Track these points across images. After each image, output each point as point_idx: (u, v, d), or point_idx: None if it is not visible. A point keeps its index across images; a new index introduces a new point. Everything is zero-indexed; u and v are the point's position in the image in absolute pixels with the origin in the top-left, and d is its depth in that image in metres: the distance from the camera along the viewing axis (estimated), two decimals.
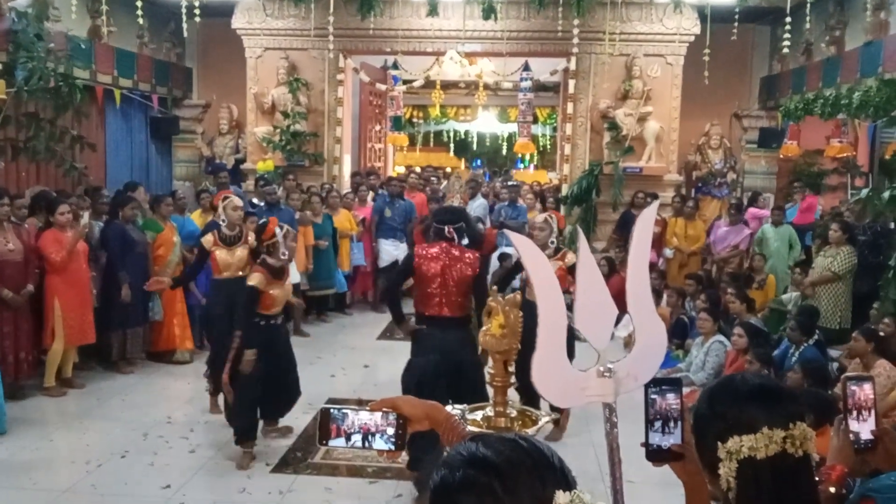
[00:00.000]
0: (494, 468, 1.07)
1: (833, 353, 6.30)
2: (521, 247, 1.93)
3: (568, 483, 1.07)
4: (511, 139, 17.68)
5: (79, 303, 6.50)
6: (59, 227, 6.41)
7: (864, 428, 1.77)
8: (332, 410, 1.54)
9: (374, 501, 4.70)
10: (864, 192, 7.64)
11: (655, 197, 9.54)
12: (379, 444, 1.53)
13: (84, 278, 6.59)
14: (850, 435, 1.78)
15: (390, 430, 1.53)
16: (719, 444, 1.43)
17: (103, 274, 7.01)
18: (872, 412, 1.76)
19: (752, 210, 10.00)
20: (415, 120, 18.68)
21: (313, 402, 6.14)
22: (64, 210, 6.45)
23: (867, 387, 1.77)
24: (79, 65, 8.74)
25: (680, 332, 7.43)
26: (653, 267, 9.19)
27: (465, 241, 6.16)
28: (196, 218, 8.35)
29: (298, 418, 5.89)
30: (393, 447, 1.53)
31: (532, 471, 1.07)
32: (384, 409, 1.53)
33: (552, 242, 5.70)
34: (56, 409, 6.16)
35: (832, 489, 2.71)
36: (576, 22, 9.41)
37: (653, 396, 1.67)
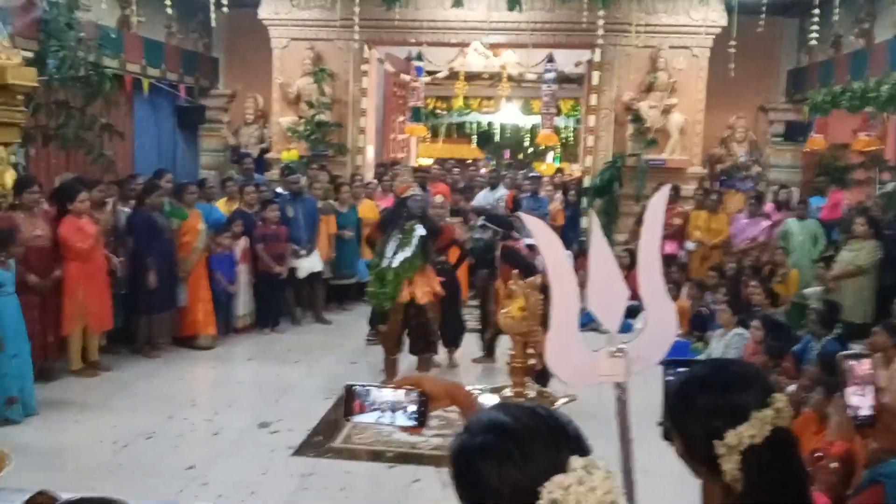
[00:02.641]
0: (513, 434, 1.12)
1: (854, 347, 6.25)
2: (534, 229, 1.97)
3: (584, 450, 1.11)
4: (534, 131, 17.65)
5: (98, 289, 6.59)
6: (77, 215, 6.45)
7: (863, 404, 1.78)
8: (356, 387, 1.59)
9: (392, 486, 4.77)
10: (891, 185, 7.56)
11: (677, 189, 9.52)
12: (401, 420, 1.57)
13: (102, 265, 6.66)
14: (850, 411, 1.80)
15: (412, 407, 1.56)
16: (715, 441, 1.39)
17: (130, 260, 7.13)
18: (871, 388, 1.77)
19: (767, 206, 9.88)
20: (438, 111, 18.70)
21: (334, 387, 6.23)
22: (83, 198, 6.50)
23: (866, 363, 1.79)
24: (108, 54, 8.86)
25: (700, 325, 7.43)
26: (674, 259, 9.17)
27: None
28: (221, 206, 8.47)
29: (320, 403, 5.99)
30: (415, 423, 1.57)
31: (549, 437, 1.12)
32: (407, 387, 1.57)
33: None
34: (83, 391, 6.29)
35: (833, 464, 2.73)
36: (601, 13, 9.37)
37: (669, 377, 1.70)
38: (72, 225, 6.42)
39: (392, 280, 6.35)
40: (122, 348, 7.23)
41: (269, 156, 11.33)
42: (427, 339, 6.69)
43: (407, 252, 6.36)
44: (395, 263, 6.35)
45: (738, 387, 1.43)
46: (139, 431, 5.40)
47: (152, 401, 6.06)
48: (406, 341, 6.75)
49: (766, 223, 9.21)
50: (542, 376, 5.09)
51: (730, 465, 1.38)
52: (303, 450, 5.21)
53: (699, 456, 1.44)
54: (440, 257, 6.90)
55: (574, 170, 14.24)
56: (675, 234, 9.26)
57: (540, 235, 1.96)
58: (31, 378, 5.68)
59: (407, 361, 6.85)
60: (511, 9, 9.74)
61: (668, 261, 8.37)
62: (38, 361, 6.05)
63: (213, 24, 8.84)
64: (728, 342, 6.35)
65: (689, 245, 9.47)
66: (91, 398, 6.18)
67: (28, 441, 5.03)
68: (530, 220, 2.03)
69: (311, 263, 8.53)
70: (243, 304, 8.09)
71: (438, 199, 7.13)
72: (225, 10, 8.27)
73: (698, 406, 1.44)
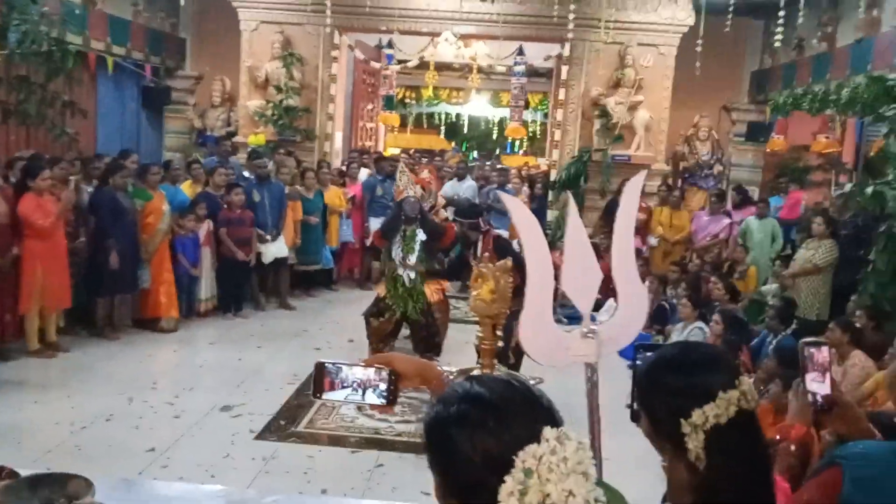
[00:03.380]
0: (488, 403, 1.13)
1: None
2: (513, 210, 2.00)
3: (556, 421, 1.13)
4: (502, 124, 17.73)
5: (57, 267, 6.47)
6: (38, 192, 6.32)
7: (821, 389, 1.84)
8: (326, 364, 1.59)
9: (355, 471, 4.78)
10: (848, 186, 7.75)
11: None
12: (371, 398, 1.57)
13: (61, 243, 6.54)
14: (808, 396, 1.86)
15: (382, 386, 1.57)
16: (682, 420, 1.41)
17: (91, 240, 7.01)
18: (828, 375, 1.83)
19: (751, 208, 10.05)
20: (407, 101, 18.67)
21: (298, 373, 6.22)
22: (45, 175, 6.37)
23: (825, 350, 1.85)
24: (72, 30, 8.68)
25: (661, 318, 7.56)
26: (637, 254, 9.29)
27: (423, 236, 6.35)
28: (186, 188, 8.37)
29: (283, 388, 5.98)
30: (385, 401, 1.58)
31: (523, 407, 1.13)
32: (377, 365, 1.58)
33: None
34: (41, 372, 6.19)
35: (793, 446, 2.81)
36: (571, 8, 9.43)
37: (639, 362, 1.74)
38: (32, 202, 6.29)
39: (415, 292, 6.43)
40: (81, 329, 7.12)
41: (235, 140, 11.22)
42: (432, 340, 6.72)
43: (412, 258, 6.41)
44: (412, 275, 6.41)
45: (704, 368, 1.46)
46: (98, 413, 5.33)
47: (112, 383, 5.98)
48: (401, 340, 6.85)
49: (726, 221, 9.39)
50: (506, 358, 5.17)
51: (694, 444, 1.41)
52: (265, 434, 5.20)
53: (665, 434, 1.47)
54: (445, 257, 6.92)
55: (541, 163, 14.33)
56: (638, 229, 9.37)
57: (518, 216, 1.99)
58: None
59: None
60: (483, 0, 9.76)
61: None
62: None
63: (182, 2, 8.71)
64: (688, 336, 6.47)
65: (652, 240, 9.61)
66: (49, 379, 6.08)
67: None
68: (509, 200, 2.07)
69: (276, 249, 8.47)
70: (206, 288, 8.01)
71: (417, 190, 7.07)
72: None
73: (666, 385, 1.46)
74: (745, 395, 1.44)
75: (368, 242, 9.71)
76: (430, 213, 7.09)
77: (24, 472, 2.27)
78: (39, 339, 6.49)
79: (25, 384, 5.87)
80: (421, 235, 6.43)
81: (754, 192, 11.14)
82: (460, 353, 6.56)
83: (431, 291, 6.51)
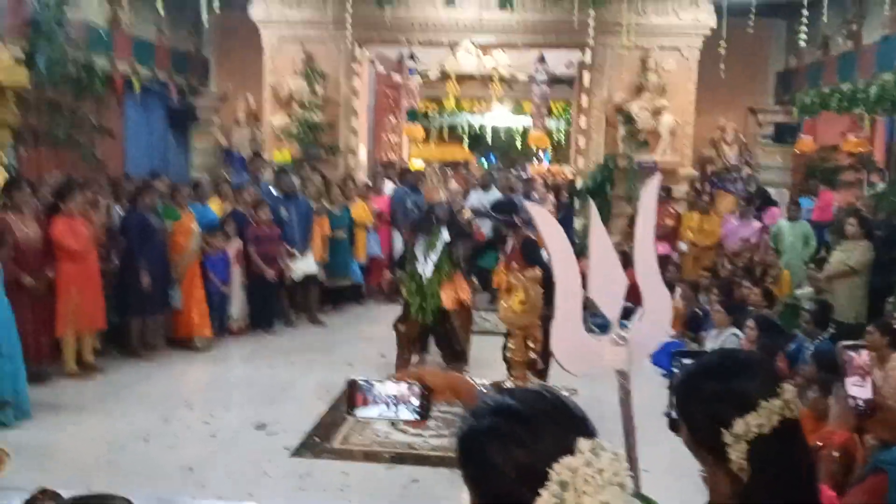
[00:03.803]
0: (520, 416, 1.12)
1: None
2: (540, 220, 1.99)
3: (590, 432, 1.12)
4: (525, 132, 17.69)
5: (90, 289, 6.55)
6: (70, 216, 6.40)
7: (863, 393, 1.81)
8: (359, 381, 1.59)
9: (390, 486, 4.76)
10: (881, 186, 7.63)
11: (668, 191, 9.57)
12: (404, 413, 1.57)
13: (94, 265, 6.63)
14: (849, 401, 1.82)
15: (415, 401, 1.56)
16: (723, 429, 1.38)
17: (123, 261, 7.09)
18: (869, 379, 1.80)
19: (773, 210, 9.95)
20: (429, 112, 18.71)
21: (331, 389, 6.22)
22: (76, 199, 6.46)
23: (864, 354, 1.82)
24: (98, 52, 8.82)
25: (694, 325, 7.47)
26: (667, 260, 9.21)
27: (447, 239, 6.34)
28: (214, 206, 8.44)
29: (315, 405, 5.98)
30: (418, 416, 1.57)
31: (556, 419, 1.12)
32: (409, 380, 1.57)
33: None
34: (78, 394, 6.25)
35: (835, 453, 2.76)
36: (591, 14, 9.39)
37: (675, 368, 1.71)
38: (65, 225, 6.38)
39: (431, 290, 6.40)
40: (116, 350, 7.18)
41: (260, 157, 11.30)
42: (453, 348, 6.69)
43: (433, 257, 6.41)
44: (428, 272, 6.40)
45: (744, 374, 1.43)
46: (135, 433, 5.37)
47: (147, 402, 6.03)
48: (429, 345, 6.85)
49: (757, 224, 9.28)
50: (533, 364, 5.14)
51: (737, 454, 1.38)
52: (300, 451, 5.20)
53: (705, 444, 1.44)
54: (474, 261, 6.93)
55: (565, 171, 14.28)
56: (667, 235, 9.31)
57: (544, 225, 1.98)
58: (24, 380, 5.63)
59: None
60: (502, 7, 9.76)
61: (661, 262, 8.39)
62: (31, 364, 6.00)
63: (205, 24, 8.82)
64: (723, 342, 6.39)
65: (682, 246, 9.52)
66: (85, 400, 6.13)
67: (22, 443, 4.97)
68: (535, 209, 2.05)
69: (305, 265, 8.51)
70: (237, 306, 8.06)
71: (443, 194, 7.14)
72: (216, 9, 8.25)
73: (705, 393, 1.43)
74: (788, 404, 1.41)
75: (398, 256, 9.74)
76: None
77: (64, 494, 2.29)
78: (76, 360, 6.56)
79: (63, 406, 5.93)
80: (445, 237, 6.44)
81: (783, 195, 11.01)
82: (488, 367, 6.53)
83: (448, 298, 6.45)
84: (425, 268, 6.41)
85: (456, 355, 6.71)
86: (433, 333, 6.71)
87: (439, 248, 6.42)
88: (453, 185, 8.21)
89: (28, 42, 7.72)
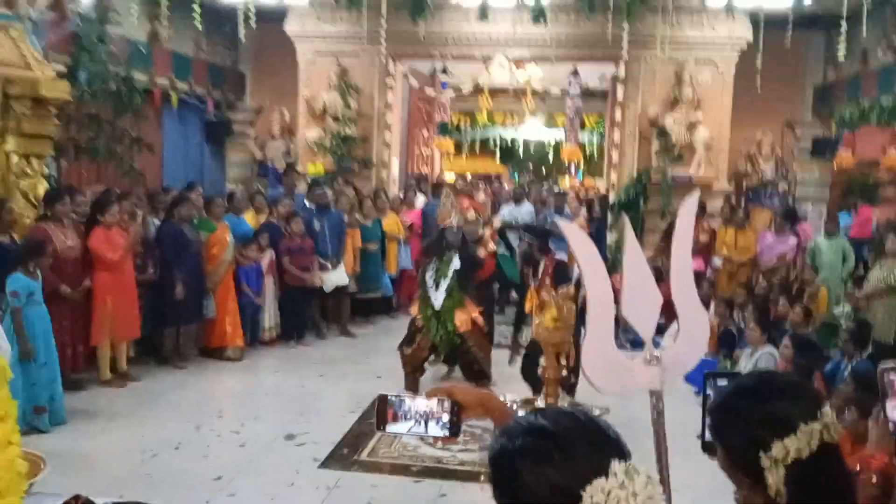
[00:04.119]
0: (552, 436, 1.11)
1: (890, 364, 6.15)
2: (571, 236, 1.98)
3: (624, 454, 1.10)
4: (558, 146, 17.64)
5: (126, 299, 6.67)
6: (107, 227, 6.54)
7: None
8: (390, 397, 1.59)
9: (418, 500, 4.75)
10: None
11: (703, 206, 9.45)
12: (434, 430, 1.57)
13: (130, 275, 6.75)
14: (890, 424, 1.77)
15: (445, 417, 1.56)
16: (761, 453, 1.36)
17: (158, 271, 7.20)
18: None
19: (803, 226, 9.80)
20: (461, 126, 18.75)
21: (360, 401, 6.24)
22: (114, 209, 6.60)
23: None
24: (138, 67, 9.01)
25: (728, 343, 7.35)
26: (702, 276, 9.09)
27: (457, 266, 6.36)
28: (249, 218, 8.54)
29: (345, 416, 6.00)
30: (448, 433, 1.57)
31: (589, 440, 1.11)
32: (439, 397, 1.57)
33: (479, 231, 7.21)
34: (112, 401, 6.34)
35: (874, 477, 2.68)
36: (625, 27, 9.36)
37: (709, 391, 1.69)
38: (102, 236, 6.50)
39: (445, 317, 6.46)
40: (149, 359, 7.29)
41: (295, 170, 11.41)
42: (472, 368, 6.76)
43: (444, 284, 6.47)
44: (438, 301, 6.46)
45: (784, 397, 1.41)
46: (167, 441, 5.43)
47: (180, 411, 6.10)
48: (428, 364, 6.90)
49: (793, 240, 9.12)
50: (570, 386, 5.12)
51: (774, 479, 1.36)
52: (329, 462, 5.21)
53: (742, 467, 1.42)
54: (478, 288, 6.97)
55: (598, 185, 14.21)
56: (701, 250, 9.18)
57: (576, 242, 1.97)
58: (59, 387, 5.73)
59: (429, 378, 6.87)
60: (536, 21, 9.75)
61: (696, 278, 8.31)
62: (67, 372, 6.11)
63: (242, 38, 8.95)
64: (757, 361, 6.27)
65: (716, 262, 9.38)
66: (119, 408, 6.22)
67: (57, 449, 5.05)
68: (567, 227, 2.04)
69: (337, 277, 8.57)
70: (269, 317, 8.13)
71: (471, 215, 7.20)
72: (253, 24, 8.37)
73: (743, 415, 1.41)
74: (828, 428, 1.38)
75: None
76: (479, 243, 7.11)
77: (98, 500, 2.32)
78: (111, 369, 6.66)
79: (97, 413, 6.02)
80: (455, 263, 6.46)
81: (821, 210, 10.83)
82: (505, 383, 6.56)
83: (462, 322, 6.52)
84: (437, 295, 6.47)
85: (477, 374, 6.76)
86: (455, 355, 6.75)
87: (450, 275, 6.47)
88: (482, 196, 8.23)
89: (70, 57, 7.91)
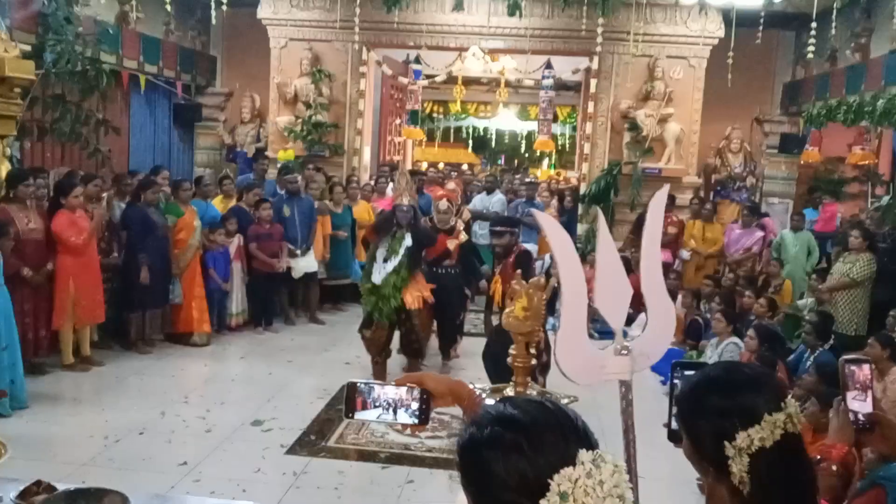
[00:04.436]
0: (521, 426, 1.12)
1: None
2: (546, 226, 1.98)
3: (591, 444, 1.12)
4: (530, 137, 17.71)
5: (90, 283, 6.55)
6: (71, 209, 6.41)
7: (863, 407, 1.80)
8: (358, 384, 1.58)
9: (385, 486, 4.75)
10: (886, 199, 7.62)
11: (672, 199, 9.55)
12: (403, 417, 1.57)
13: (94, 258, 6.64)
14: (850, 414, 1.81)
15: (415, 405, 1.56)
16: (726, 442, 1.39)
17: (124, 255, 7.10)
18: (870, 392, 1.79)
19: (766, 220, 9.94)
20: (434, 115, 18.73)
21: (328, 388, 6.23)
22: (78, 192, 6.47)
23: (866, 367, 1.81)
24: (106, 49, 8.84)
25: (694, 333, 7.45)
26: (669, 268, 9.19)
27: (409, 244, 6.37)
28: (217, 203, 8.45)
29: (313, 403, 5.98)
30: (417, 421, 1.57)
31: (557, 430, 1.12)
32: (409, 384, 1.57)
33: (451, 221, 7.15)
34: (75, 386, 6.26)
35: (834, 467, 2.74)
36: (600, 21, 9.40)
37: (675, 381, 1.70)
38: (66, 219, 6.38)
39: (385, 292, 6.42)
40: (114, 344, 7.19)
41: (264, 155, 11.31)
42: (412, 346, 6.77)
43: (394, 261, 6.43)
44: (379, 276, 6.44)
45: (749, 389, 1.44)
46: (131, 427, 5.37)
47: (144, 397, 6.03)
48: (394, 345, 6.86)
49: (759, 234, 9.25)
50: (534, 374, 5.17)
51: (738, 467, 1.38)
52: (296, 448, 5.19)
53: (707, 456, 1.44)
54: (434, 267, 6.95)
55: (570, 176, 14.28)
56: (669, 243, 9.28)
57: (552, 233, 1.97)
58: (21, 371, 5.63)
59: (397, 365, 6.86)
60: (511, 14, 9.77)
61: (663, 269, 8.41)
62: (29, 356, 6.02)
63: (213, 21, 8.83)
64: (722, 351, 6.37)
65: (684, 254, 9.50)
66: (83, 393, 6.14)
67: (18, 433, 4.98)
68: (543, 218, 2.04)
69: (306, 263, 8.51)
70: (237, 303, 8.06)
71: (443, 204, 7.17)
72: (224, 8, 8.26)
73: (710, 406, 1.44)
74: (791, 418, 1.41)
75: None
76: (453, 232, 7.12)
77: (60, 486, 2.29)
78: (74, 353, 6.56)
79: (60, 398, 5.94)
80: (408, 241, 6.45)
81: (788, 205, 10.99)
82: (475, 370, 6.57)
83: (412, 298, 6.49)
84: (381, 271, 6.44)
85: (415, 352, 6.81)
86: (400, 331, 6.75)
87: (401, 253, 6.44)
88: (452, 186, 8.21)
89: (36, 37, 7.74)
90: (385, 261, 6.47)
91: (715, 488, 1.45)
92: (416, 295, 6.52)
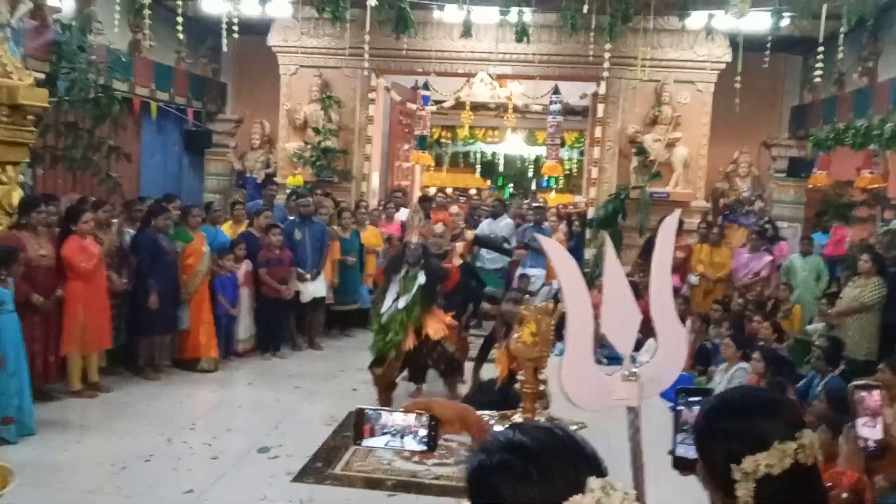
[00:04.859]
0: (530, 453, 1.11)
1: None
2: (552, 252, 1.98)
3: (601, 471, 1.11)
4: (538, 162, 17.75)
5: (98, 309, 6.57)
6: (81, 235, 6.45)
7: (873, 434, 1.78)
8: (367, 410, 1.57)
9: None
10: (894, 223, 7.58)
11: (680, 223, 9.53)
12: (411, 444, 1.56)
13: (103, 284, 6.66)
14: (860, 441, 1.79)
15: (423, 432, 1.55)
16: (733, 465, 1.39)
17: (133, 281, 7.12)
18: (881, 419, 1.77)
19: (781, 244, 9.89)
20: (443, 140, 18.81)
21: (335, 414, 6.20)
22: (88, 218, 6.52)
23: (876, 394, 1.79)
24: (118, 77, 8.95)
25: (703, 359, 7.40)
26: (677, 292, 9.15)
27: (422, 281, 6.38)
28: (227, 229, 8.49)
29: (320, 430, 5.95)
30: (425, 447, 1.56)
31: (566, 457, 1.12)
32: (417, 411, 1.56)
33: (446, 246, 7.35)
34: (83, 412, 6.26)
35: (844, 494, 2.71)
36: (607, 46, 9.47)
37: (679, 408, 1.69)
38: (76, 245, 6.42)
39: (396, 327, 6.43)
40: (122, 370, 7.19)
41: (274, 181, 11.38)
42: (450, 366, 6.77)
43: (406, 298, 6.44)
44: (388, 313, 6.47)
45: (762, 414, 1.43)
46: (138, 453, 5.35)
47: (152, 423, 6.02)
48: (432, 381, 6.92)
49: (768, 258, 9.21)
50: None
51: (744, 492, 1.38)
52: (302, 476, 5.16)
53: (718, 480, 1.44)
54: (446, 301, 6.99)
55: (578, 201, 14.29)
56: (678, 267, 9.24)
57: (557, 258, 1.97)
58: (29, 397, 5.63)
59: (404, 391, 6.85)
60: (519, 41, 9.84)
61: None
62: (38, 381, 6.02)
63: (224, 49, 8.94)
64: (732, 376, 6.32)
65: (692, 279, 9.46)
66: (90, 419, 6.14)
67: (26, 460, 4.98)
68: (547, 243, 2.04)
69: (315, 288, 8.52)
70: (244, 328, 8.06)
71: (439, 227, 7.21)
72: (235, 36, 8.37)
73: (722, 429, 1.44)
74: (803, 449, 1.40)
75: None
76: (447, 257, 7.14)
77: None
78: (81, 379, 6.57)
79: (68, 424, 5.93)
80: (421, 279, 6.47)
81: (796, 229, 10.94)
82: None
83: (435, 330, 6.50)
84: (389, 307, 6.47)
85: (453, 372, 6.81)
86: (430, 361, 6.75)
87: (413, 291, 6.45)
88: (454, 209, 8.26)
89: (49, 65, 7.85)
90: (396, 298, 6.49)
91: None
92: (438, 326, 6.54)
